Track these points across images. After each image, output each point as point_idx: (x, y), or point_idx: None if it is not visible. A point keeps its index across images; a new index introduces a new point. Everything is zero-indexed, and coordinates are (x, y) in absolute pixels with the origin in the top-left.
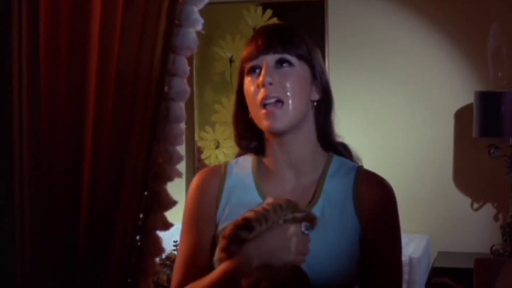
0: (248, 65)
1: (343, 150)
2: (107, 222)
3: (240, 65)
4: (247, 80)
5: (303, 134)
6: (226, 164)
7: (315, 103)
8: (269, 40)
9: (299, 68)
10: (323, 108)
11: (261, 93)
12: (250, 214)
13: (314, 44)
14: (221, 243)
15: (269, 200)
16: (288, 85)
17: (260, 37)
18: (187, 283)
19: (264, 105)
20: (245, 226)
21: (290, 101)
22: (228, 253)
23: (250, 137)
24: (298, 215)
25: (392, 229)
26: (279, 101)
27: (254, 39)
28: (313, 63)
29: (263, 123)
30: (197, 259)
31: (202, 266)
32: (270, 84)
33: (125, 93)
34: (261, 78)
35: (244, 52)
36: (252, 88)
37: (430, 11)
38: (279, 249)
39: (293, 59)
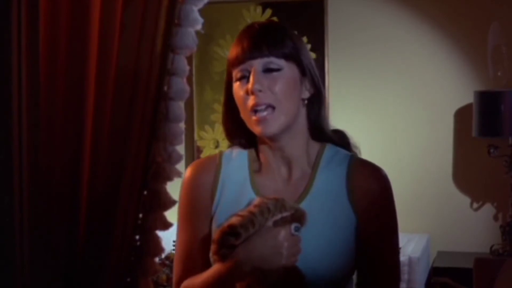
0: (236, 71)
1: (340, 139)
2: (106, 221)
3: (227, 65)
4: (236, 85)
5: (295, 131)
6: (221, 155)
7: (306, 101)
8: (255, 43)
9: (288, 70)
10: (315, 104)
11: (251, 100)
12: (235, 220)
13: (299, 37)
14: (212, 246)
15: (256, 201)
16: (277, 90)
17: (246, 40)
18: (186, 277)
19: (255, 112)
20: (231, 233)
21: (281, 106)
22: (219, 256)
23: (241, 135)
24: (286, 214)
25: (388, 218)
26: (270, 107)
27: (240, 42)
28: (301, 60)
29: (255, 129)
30: (194, 254)
31: (200, 260)
32: (260, 91)
33: (124, 92)
34: (250, 86)
35: (231, 53)
36: (241, 93)
37: (430, 10)
38: (271, 254)
39: (280, 62)
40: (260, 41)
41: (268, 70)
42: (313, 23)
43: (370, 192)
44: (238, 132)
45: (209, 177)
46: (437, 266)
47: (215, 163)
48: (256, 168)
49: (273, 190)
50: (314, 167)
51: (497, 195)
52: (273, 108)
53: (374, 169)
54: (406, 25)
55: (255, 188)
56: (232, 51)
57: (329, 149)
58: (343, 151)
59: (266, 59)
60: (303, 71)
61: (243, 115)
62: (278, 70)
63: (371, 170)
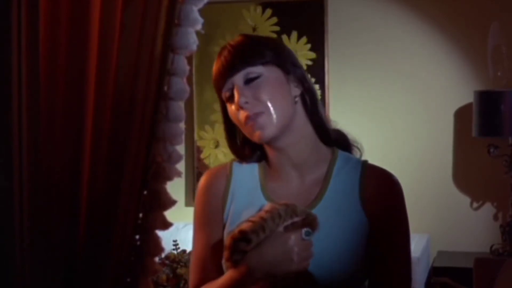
0: (224, 93)
1: (339, 137)
2: (106, 221)
3: (216, 92)
4: (229, 105)
5: (296, 132)
6: (231, 163)
7: (298, 98)
8: (229, 62)
9: (268, 73)
10: (308, 100)
11: (242, 114)
12: (246, 226)
13: (274, 40)
14: (224, 252)
15: (267, 206)
16: (263, 96)
17: (222, 62)
18: (201, 284)
19: (248, 123)
20: (242, 238)
21: (271, 109)
22: (232, 262)
23: (249, 152)
24: (297, 219)
25: (400, 224)
26: (260, 113)
27: (217, 65)
28: (281, 61)
29: (254, 136)
30: (209, 260)
31: (215, 266)
32: (246, 102)
33: (124, 92)
34: (236, 101)
35: (213, 79)
36: (234, 110)
37: (430, 10)
38: (282, 260)
39: (258, 69)
40: (234, 58)
41: (249, 81)
42: (313, 23)
43: (382, 198)
44: (246, 151)
45: (221, 185)
46: (437, 266)
47: (226, 173)
48: (267, 175)
49: (285, 196)
50: (328, 173)
51: (497, 195)
52: (263, 113)
53: (386, 176)
54: (406, 25)
55: (266, 195)
56: (213, 76)
57: (341, 155)
58: (354, 158)
59: (243, 72)
60: (287, 70)
61: (242, 129)
62: (257, 77)
63: (383, 176)
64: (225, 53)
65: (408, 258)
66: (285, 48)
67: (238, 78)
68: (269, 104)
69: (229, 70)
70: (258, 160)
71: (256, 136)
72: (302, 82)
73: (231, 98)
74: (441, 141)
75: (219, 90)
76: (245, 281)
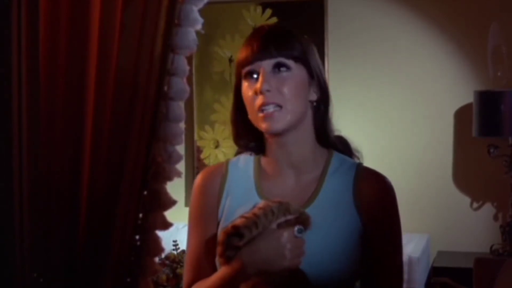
0: (245, 70)
1: (341, 144)
2: (106, 221)
3: (236, 67)
4: (245, 85)
5: (301, 133)
6: (227, 162)
7: (314, 103)
8: (264, 44)
9: (296, 71)
10: (322, 107)
11: (259, 99)
12: (239, 221)
13: (309, 41)
14: (217, 248)
15: (261, 204)
16: (285, 90)
17: (255, 42)
18: (196, 281)
19: (262, 110)
20: (235, 233)
21: (288, 106)
22: (225, 258)
23: (248, 137)
24: (291, 217)
25: (392, 225)
26: (277, 106)
27: (249, 43)
28: (310, 63)
29: (261, 126)
30: (204, 258)
31: (210, 264)
32: (268, 91)
33: (124, 92)
34: (258, 85)
35: (240, 55)
36: (250, 93)
37: (430, 10)
38: (274, 257)
39: (289, 62)
40: (268, 43)
41: (276, 70)
42: (313, 23)
43: (375, 199)
44: (246, 135)
45: (216, 184)
46: (437, 266)
47: (222, 172)
48: (262, 174)
49: (279, 195)
50: (323, 173)
51: (497, 195)
52: (280, 107)
53: (379, 178)
54: (406, 25)
55: (261, 194)
56: (241, 52)
57: (337, 156)
58: (350, 160)
59: (274, 60)
60: (311, 73)
61: (251, 114)
62: (286, 70)
63: (376, 179)
64: (262, 34)
65: (400, 259)
66: (315, 53)
67: (267, 64)
68: (288, 101)
69: (260, 53)
70: (256, 152)
71: (264, 126)
72: (321, 90)
73: (251, 79)
74: (441, 141)
75: (242, 67)
76: (238, 277)
